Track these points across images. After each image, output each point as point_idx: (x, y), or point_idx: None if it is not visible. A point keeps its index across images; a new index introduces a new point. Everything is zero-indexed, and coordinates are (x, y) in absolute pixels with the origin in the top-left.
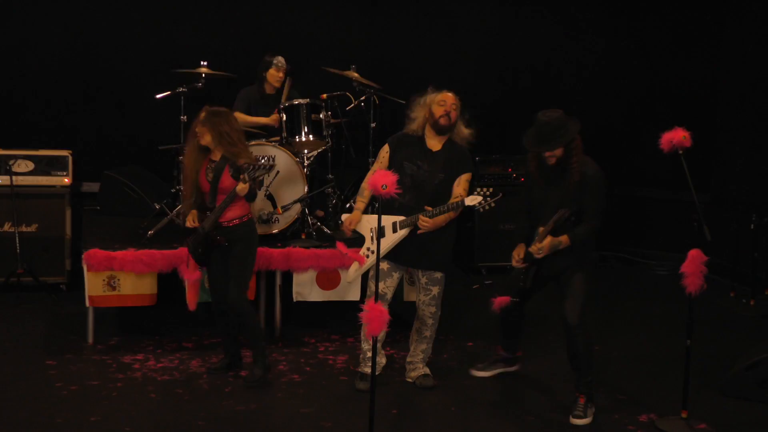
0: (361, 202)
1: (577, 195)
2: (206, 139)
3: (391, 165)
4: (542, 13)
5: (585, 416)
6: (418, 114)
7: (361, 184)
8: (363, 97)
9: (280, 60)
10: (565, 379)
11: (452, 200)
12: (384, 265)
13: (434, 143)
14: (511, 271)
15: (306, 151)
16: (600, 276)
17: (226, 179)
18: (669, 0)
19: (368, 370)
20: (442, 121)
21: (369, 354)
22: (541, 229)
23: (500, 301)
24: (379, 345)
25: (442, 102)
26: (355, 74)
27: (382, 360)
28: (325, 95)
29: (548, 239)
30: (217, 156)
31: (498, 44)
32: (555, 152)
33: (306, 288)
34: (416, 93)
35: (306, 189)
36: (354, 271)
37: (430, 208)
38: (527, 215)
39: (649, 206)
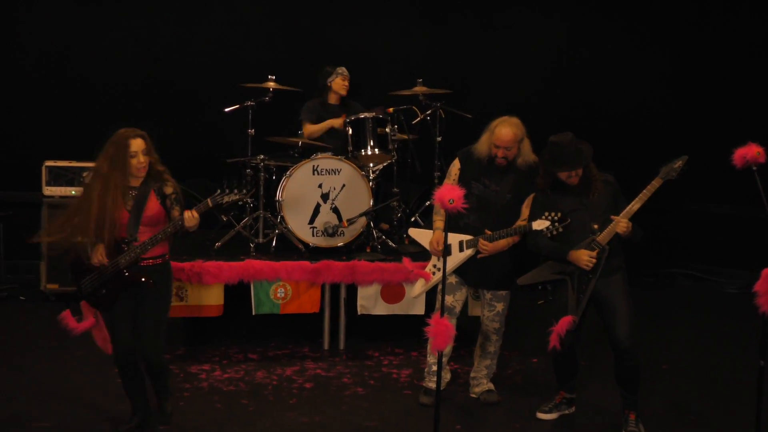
0: (439, 221)
1: (610, 202)
2: (146, 167)
3: (461, 182)
4: (610, 27)
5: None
6: (483, 138)
7: (427, 198)
8: (429, 111)
9: (344, 69)
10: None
11: (517, 224)
12: (452, 279)
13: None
14: (556, 295)
15: (371, 164)
16: (668, 293)
17: (152, 206)
18: (740, 12)
19: (432, 384)
20: (498, 161)
21: (434, 368)
22: (614, 217)
23: (563, 324)
24: (444, 360)
25: (496, 147)
26: (423, 88)
27: (446, 376)
28: (391, 109)
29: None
30: (135, 183)
31: (565, 59)
32: (578, 171)
33: (370, 301)
34: (482, 108)
35: (371, 202)
36: (420, 287)
37: (489, 232)
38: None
39: (720, 222)
